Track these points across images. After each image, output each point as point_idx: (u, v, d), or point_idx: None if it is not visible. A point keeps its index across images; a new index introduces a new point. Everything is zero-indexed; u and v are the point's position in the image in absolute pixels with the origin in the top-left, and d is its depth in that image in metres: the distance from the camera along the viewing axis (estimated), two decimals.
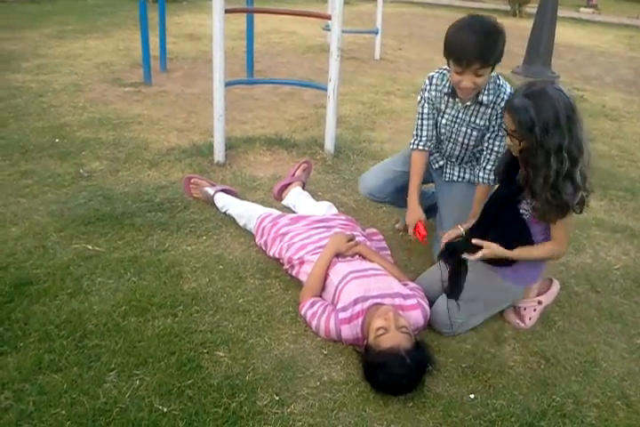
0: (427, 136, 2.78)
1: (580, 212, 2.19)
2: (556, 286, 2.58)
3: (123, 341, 2.19)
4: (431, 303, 2.41)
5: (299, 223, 2.86)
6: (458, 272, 2.36)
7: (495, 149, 2.67)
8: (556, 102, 2.02)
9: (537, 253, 2.30)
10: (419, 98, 2.77)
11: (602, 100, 6.78)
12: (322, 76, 4.79)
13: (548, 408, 2.06)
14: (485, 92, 2.55)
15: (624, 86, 7.73)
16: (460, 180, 2.89)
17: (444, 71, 2.65)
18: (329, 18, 3.92)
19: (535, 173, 2.10)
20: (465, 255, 2.28)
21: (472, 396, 2.08)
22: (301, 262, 2.60)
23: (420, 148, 2.79)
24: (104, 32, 8.49)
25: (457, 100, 2.63)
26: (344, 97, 5.56)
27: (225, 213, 3.20)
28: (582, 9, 17.58)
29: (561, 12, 7.90)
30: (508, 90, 2.58)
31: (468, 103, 2.61)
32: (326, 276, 2.48)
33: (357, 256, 2.60)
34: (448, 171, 2.91)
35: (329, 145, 4.17)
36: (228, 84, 3.83)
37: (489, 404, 2.06)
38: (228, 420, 1.88)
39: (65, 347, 2.14)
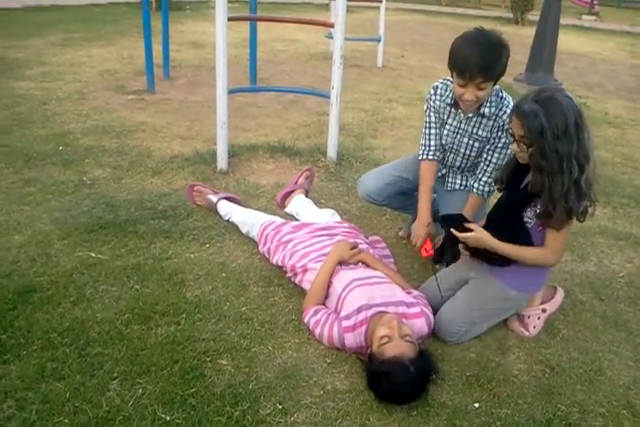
0: (435, 146, 2.79)
1: (583, 220, 2.19)
2: (560, 294, 2.57)
3: (125, 349, 2.18)
4: (435, 311, 2.40)
5: (302, 231, 2.86)
6: (449, 241, 2.35)
7: (494, 160, 2.70)
8: (566, 109, 2.02)
9: (525, 253, 2.28)
10: (425, 107, 2.80)
11: (604, 107, 6.78)
12: (325, 83, 4.81)
13: (553, 418, 2.04)
14: (487, 104, 2.58)
15: (626, 94, 7.74)
16: (461, 188, 2.90)
17: (448, 82, 2.67)
18: (332, 26, 3.93)
19: (552, 179, 2.07)
20: (453, 230, 2.28)
21: (476, 405, 2.07)
22: (304, 270, 2.60)
23: (430, 157, 2.80)
24: (108, 40, 8.54)
25: (459, 111, 2.65)
26: (347, 104, 5.57)
27: (228, 220, 3.20)
28: (584, 16, 17.63)
29: (563, 20, 7.91)
30: (511, 103, 2.60)
31: (470, 115, 2.63)
32: (329, 284, 2.48)
33: (361, 264, 2.60)
34: (450, 180, 2.93)
35: (331, 152, 4.18)
36: (231, 92, 3.84)
37: (493, 413, 2.04)
38: None
39: (68, 355, 2.13)
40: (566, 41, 10.89)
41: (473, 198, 2.77)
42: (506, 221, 2.31)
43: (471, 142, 2.71)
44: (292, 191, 3.47)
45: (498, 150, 2.68)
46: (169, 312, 2.42)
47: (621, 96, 7.56)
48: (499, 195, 2.53)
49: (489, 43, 2.37)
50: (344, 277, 2.46)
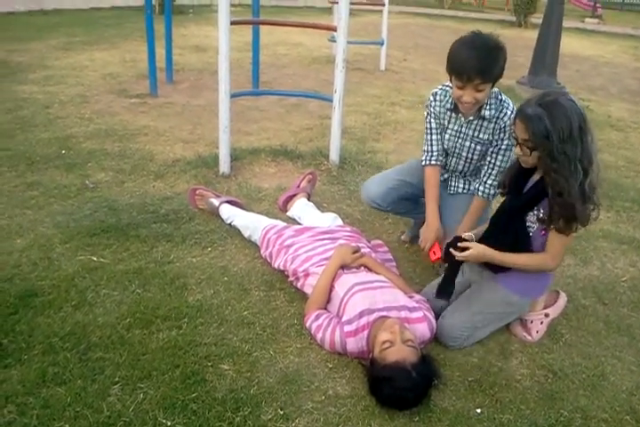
0: (437, 151, 2.80)
1: (586, 224, 2.18)
2: (562, 299, 2.56)
3: (127, 353, 2.18)
4: (437, 316, 2.39)
5: (304, 235, 2.86)
6: (451, 272, 2.35)
7: (497, 163, 2.70)
8: (569, 112, 2.02)
9: (525, 260, 2.28)
10: (425, 113, 2.81)
11: (607, 110, 6.77)
12: (327, 87, 4.81)
13: (555, 423, 2.03)
14: (487, 107, 2.60)
15: (629, 97, 7.73)
16: (464, 191, 2.91)
17: (447, 88, 2.69)
18: (334, 29, 3.93)
19: (567, 182, 2.05)
20: (452, 251, 2.27)
21: (479, 410, 2.06)
22: (306, 275, 2.59)
23: (433, 162, 2.81)
24: (111, 44, 8.56)
25: (460, 115, 2.67)
26: (349, 108, 5.57)
27: (230, 224, 3.20)
28: (587, 19, 17.62)
29: (566, 23, 7.90)
30: (511, 105, 2.63)
31: (471, 118, 2.65)
32: (331, 288, 2.47)
33: (363, 268, 2.59)
34: (453, 184, 2.93)
35: (334, 156, 4.17)
36: (233, 96, 3.84)
37: (495, 418, 2.03)
38: None
39: (69, 360, 2.13)
40: (569, 44, 10.90)
41: (477, 202, 2.77)
42: (509, 226, 2.30)
43: (473, 146, 2.72)
44: (295, 195, 3.47)
45: (501, 153, 2.68)
46: (170, 316, 2.41)
47: (624, 99, 7.55)
48: (501, 199, 2.53)
49: (486, 45, 2.41)
50: (346, 281, 2.46)
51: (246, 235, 3.08)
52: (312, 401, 2.04)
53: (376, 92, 6.74)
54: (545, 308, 2.51)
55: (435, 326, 2.32)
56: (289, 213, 3.40)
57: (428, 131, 2.81)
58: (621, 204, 3.98)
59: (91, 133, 4.60)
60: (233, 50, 3.72)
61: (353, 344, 2.21)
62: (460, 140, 2.74)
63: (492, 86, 2.51)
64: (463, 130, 2.71)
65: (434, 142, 2.80)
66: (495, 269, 2.36)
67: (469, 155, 2.76)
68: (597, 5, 18.98)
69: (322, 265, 2.57)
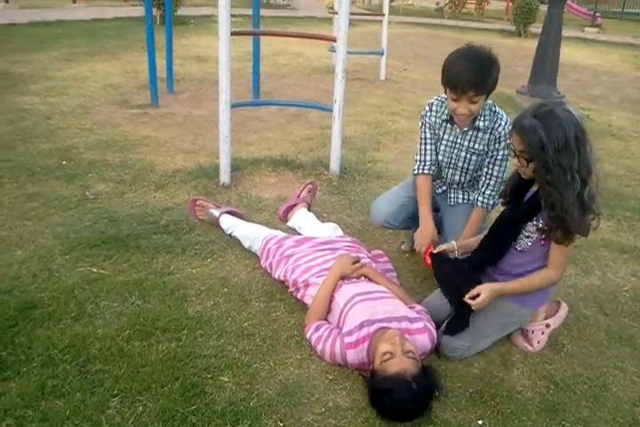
0: (430, 160, 2.84)
1: (587, 234, 2.17)
2: (564, 309, 2.55)
3: (126, 366, 2.17)
4: (438, 326, 2.38)
5: (304, 245, 2.85)
6: (467, 312, 2.33)
7: (495, 174, 2.73)
8: (565, 123, 2.02)
9: (533, 282, 2.28)
10: (420, 123, 2.84)
11: (608, 119, 6.78)
12: (327, 97, 4.83)
13: None
14: (482, 118, 2.64)
15: (630, 106, 7.74)
16: (464, 202, 2.92)
17: (443, 99, 2.73)
18: (334, 40, 3.95)
19: (560, 193, 2.05)
20: (467, 300, 2.26)
21: (480, 422, 2.04)
22: (306, 285, 2.59)
23: (425, 172, 2.85)
24: (112, 54, 8.60)
25: (455, 126, 2.71)
26: (349, 118, 5.58)
27: (230, 234, 3.20)
28: (587, 29, 17.70)
29: (565, 32, 7.93)
30: (505, 116, 2.68)
31: (466, 129, 2.69)
32: (332, 298, 2.46)
33: (363, 278, 2.58)
34: (452, 195, 2.95)
35: (334, 166, 4.18)
36: (233, 107, 3.85)
37: None
38: None
39: (68, 372, 2.12)
40: (569, 53, 10.93)
41: (477, 212, 2.78)
42: (507, 235, 2.31)
43: (468, 156, 2.76)
44: (295, 205, 3.47)
45: (498, 163, 2.72)
46: (170, 328, 2.41)
47: (625, 108, 7.56)
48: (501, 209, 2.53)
49: (479, 58, 2.46)
50: (346, 291, 2.45)
51: (246, 245, 3.08)
52: (312, 413, 2.03)
53: (376, 101, 6.76)
54: (546, 318, 2.50)
55: (435, 337, 2.31)
56: (289, 224, 3.40)
57: (422, 141, 2.84)
58: (622, 213, 3.98)
59: (91, 144, 4.61)
60: (233, 60, 3.74)
61: (353, 356, 2.20)
62: (455, 151, 2.78)
63: (486, 98, 2.56)
64: (458, 141, 2.74)
65: (427, 152, 2.84)
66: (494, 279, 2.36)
67: (465, 165, 2.79)
68: (597, 15, 19.07)
69: (322, 275, 2.56)
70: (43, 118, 5.21)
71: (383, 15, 7.93)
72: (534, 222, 2.23)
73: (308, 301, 2.56)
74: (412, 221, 2.96)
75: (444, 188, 2.96)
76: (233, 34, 3.62)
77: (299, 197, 3.54)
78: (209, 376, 2.16)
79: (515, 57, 10.88)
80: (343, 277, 2.53)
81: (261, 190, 3.92)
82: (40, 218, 3.31)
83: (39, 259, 2.87)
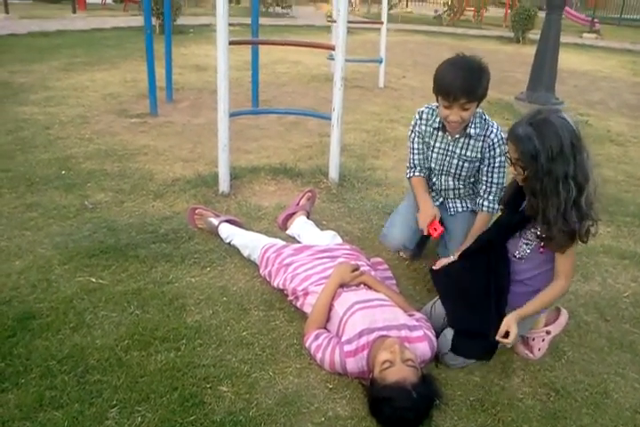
0: (420, 166, 2.93)
1: (586, 241, 2.17)
2: (564, 316, 2.54)
3: (125, 376, 2.16)
4: (437, 334, 2.37)
5: (303, 253, 2.85)
6: (484, 345, 2.32)
7: (495, 181, 2.78)
8: (560, 130, 2.02)
9: (550, 297, 2.26)
10: (409, 133, 2.91)
11: (607, 125, 6.78)
12: (326, 105, 4.83)
13: None
14: (473, 126, 2.71)
15: (628, 111, 7.74)
16: (464, 209, 2.96)
17: (434, 107, 2.79)
18: (333, 48, 3.96)
19: (547, 202, 2.07)
20: (500, 340, 2.22)
21: None
22: (306, 294, 2.58)
23: (417, 174, 2.94)
24: (111, 64, 8.63)
25: (446, 133, 2.77)
26: (348, 125, 5.59)
27: (229, 243, 3.19)
28: (585, 35, 17.74)
29: (564, 38, 7.94)
30: (495, 124, 2.76)
31: (457, 136, 2.74)
32: (331, 306, 2.45)
33: (363, 286, 2.58)
34: (451, 205, 2.98)
35: (333, 174, 4.18)
36: (232, 115, 3.86)
37: None
38: None
39: (66, 383, 2.11)
40: (567, 59, 10.95)
41: (482, 216, 2.83)
42: (504, 242, 2.32)
43: (461, 163, 2.81)
44: (294, 213, 3.47)
45: (496, 170, 2.77)
46: (169, 338, 2.40)
47: (623, 114, 7.57)
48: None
49: (470, 66, 2.53)
50: (346, 299, 2.44)
51: (245, 254, 3.08)
52: (312, 423, 2.02)
53: (375, 109, 6.77)
54: (546, 325, 2.49)
55: (435, 345, 2.30)
56: (288, 232, 3.40)
57: (412, 151, 2.92)
58: (622, 218, 3.97)
59: (90, 154, 4.61)
60: (232, 69, 3.75)
61: (353, 364, 2.19)
62: (447, 158, 2.83)
63: (477, 105, 2.61)
64: (450, 148, 2.80)
65: (417, 162, 2.93)
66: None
67: (458, 171, 2.84)
68: (595, 20, 19.12)
69: (321, 284, 2.56)
70: (42, 128, 5.22)
71: (382, 23, 7.95)
72: (532, 230, 2.23)
73: (307, 309, 2.55)
74: (424, 241, 3.02)
75: (441, 200, 2.99)
76: (231, 43, 3.63)
77: (298, 205, 3.54)
78: (208, 386, 2.15)
79: (513, 63, 10.92)
80: (342, 286, 2.53)
81: (260, 199, 3.92)
82: (39, 228, 3.31)
83: (38, 269, 2.87)
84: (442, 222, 2.86)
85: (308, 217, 3.47)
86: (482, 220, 2.81)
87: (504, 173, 2.75)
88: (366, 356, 2.18)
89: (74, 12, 15.72)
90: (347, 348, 2.21)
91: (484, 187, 2.81)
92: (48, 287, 2.72)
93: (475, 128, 2.72)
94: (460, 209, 2.96)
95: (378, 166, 4.73)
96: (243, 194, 3.97)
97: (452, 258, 2.56)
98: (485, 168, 2.77)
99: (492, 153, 2.73)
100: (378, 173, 4.55)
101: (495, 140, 2.72)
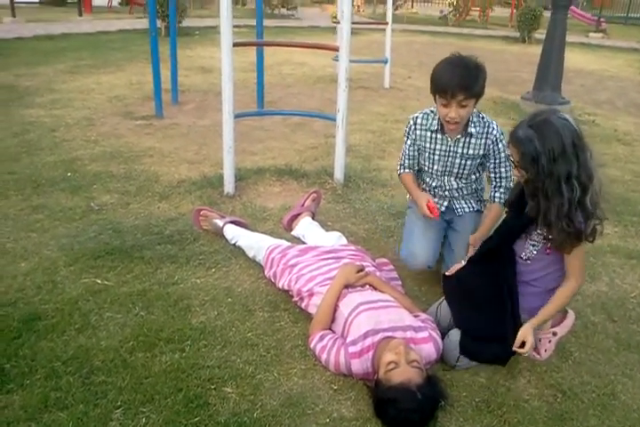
0: (410, 165, 2.97)
1: (593, 240, 2.15)
2: (571, 317, 2.51)
3: (129, 377, 2.16)
4: (443, 335, 2.36)
5: (308, 254, 2.84)
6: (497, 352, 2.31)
7: (504, 175, 2.81)
8: (561, 130, 2.01)
9: (563, 299, 2.25)
10: (405, 139, 2.92)
11: (614, 124, 6.74)
12: (332, 106, 4.83)
13: None
14: (472, 125, 2.73)
15: (635, 110, 7.70)
16: (471, 210, 2.98)
17: (428, 111, 2.83)
18: (337, 49, 3.95)
19: (548, 203, 2.07)
20: (517, 350, 2.21)
21: None
22: (311, 294, 2.57)
23: (407, 171, 2.98)
24: (117, 66, 8.66)
25: (446, 135, 2.77)
26: (353, 126, 5.59)
27: (234, 244, 3.19)
28: (591, 34, 17.68)
29: (570, 38, 7.91)
30: (493, 121, 2.78)
31: (459, 136, 2.75)
32: (336, 307, 2.45)
33: (368, 287, 2.57)
34: (457, 206, 2.98)
35: (338, 174, 4.18)
36: (237, 117, 3.86)
37: None
38: None
39: (71, 384, 2.12)
40: (573, 59, 10.92)
41: (495, 207, 2.81)
42: (512, 244, 2.31)
43: (463, 162, 2.82)
44: (299, 214, 3.47)
45: (502, 164, 2.80)
46: (174, 339, 2.40)
47: (630, 113, 7.53)
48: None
49: (466, 65, 2.56)
50: (351, 300, 2.43)
51: (250, 255, 3.07)
52: (317, 424, 2.01)
53: (380, 109, 6.77)
54: (553, 326, 2.46)
55: (441, 346, 2.29)
56: (293, 233, 3.39)
57: (406, 155, 2.94)
58: (629, 218, 3.94)
59: (96, 156, 4.63)
60: (238, 70, 3.76)
61: (358, 365, 2.18)
62: (450, 159, 2.83)
63: (475, 103, 2.62)
64: (451, 149, 2.80)
65: (407, 164, 2.97)
66: None
67: (460, 170, 2.85)
68: (601, 20, 19.03)
69: (326, 285, 2.55)
70: (48, 131, 5.24)
71: (386, 24, 7.95)
72: (539, 231, 2.21)
73: (312, 310, 2.54)
74: (442, 250, 2.98)
75: (446, 203, 2.96)
76: (235, 45, 3.63)
77: (303, 206, 3.53)
78: (212, 387, 2.14)
79: (519, 63, 10.89)
80: (347, 286, 2.52)
81: (266, 200, 3.92)
82: (45, 230, 3.32)
83: (43, 270, 2.88)
84: (449, 223, 2.90)
85: (313, 218, 3.46)
86: (495, 210, 2.81)
87: (510, 166, 2.74)
88: (371, 357, 2.17)
89: (80, 15, 15.81)
90: (352, 349, 2.20)
91: (494, 182, 2.84)
92: (53, 289, 2.72)
93: (475, 127, 2.74)
94: (467, 209, 2.96)
95: (383, 167, 4.72)
96: (248, 195, 3.97)
97: (462, 263, 2.55)
98: (492, 165, 2.80)
99: (495, 149, 2.76)
100: (383, 174, 4.54)
101: (497, 135, 2.75)
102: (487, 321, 2.33)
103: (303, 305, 2.62)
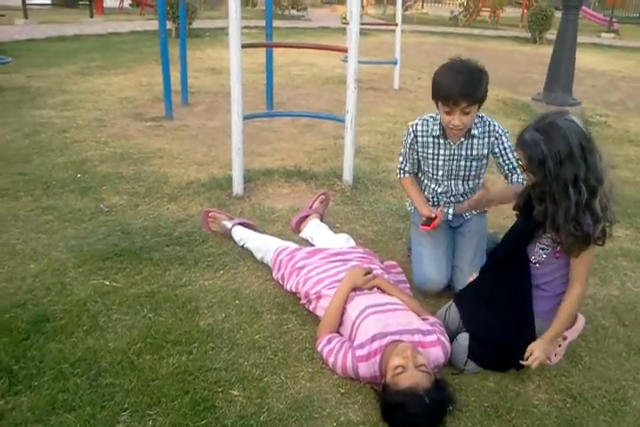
0: (411, 169, 2.96)
1: (603, 244, 2.13)
2: (581, 321, 2.49)
3: (137, 379, 2.16)
4: (451, 338, 2.34)
5: (315, 257, 2.83)
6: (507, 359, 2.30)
7: (513, 160, 2.78)
8: (568, 133, 1.99)
9: (573, 306, 2.22)
10: (408, 145, 2.88)
11: (625, 125, 6.68)
12: (341, 107, 4.82)
13: None
14: (474, 126, 2.70)
15: None
16: (477, 212, 2.95)
17: (428, 117, 2.79)
18: (345, 51, 3.95)
19: (555, 207, 2.05)
20: (523, 363, 2.20)
21: None
22: (318, 297, 2.57)
23: (407, 175, 2.97)
24: (127, 68, 8.69)
25: (449, 140, 2.75)
26: (363, 127, 5.57)
27: (242, 246, 3.19)
28: (603, 34, 17.57)
29: (581, 38, 7.85)
30: (494, 120, 2.77)
31: (462, 139, 2.73)
32: (344, 310, 2.43)
33: (376, 289, 2.56)
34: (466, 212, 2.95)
35: (347, 176, 4.17)
36: (246, 118, 3.86)
37: None
38: None
39: (79, 386, 2.12)
40: (585, 59, 10.84)
41: (514, 186, 2.77)
42: (517, 248, 2.29)
43: (469, 163, 2.81)
44: (307, 216, 3.46)
45: (511, 155, 2.77)
46: (181, 341, 2.40)
47: None
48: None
49: (468, 70, 2.51)
50: (358, 303, 2.42)
51: (258, 257, 3.07)
52: None
53: (390, 111, 6.75)
54: None
55: (449, 350, 2.27)
56: (301, 235, 3.39)
57: (406, 160, 2.92)
58: None
59: (106, 157, 4.64)
60: (247, 71, 3.76)
61: (365, 369, 2.17)
62: (455, 162, 2.81)
63: (478, 109, 2.58)
64: (456, 152, 2.78)
65: (406, 169, 2.96)
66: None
67: (467, 172, 2.84)
68: (613, 20, 18.90)
69: (334, 287, 2.54)
70: (59, 132, 5.27)
71: (396, 25, 7.93)
72: (548, 235, 2.19)
73: (319, 313, 2.53)
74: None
75: (451, 210, 2.93)
76: (244, 46, 3.63)
77: (311, 207, 3.53)
78: (219, 390, 2.14)
79: (530, 64, 10.83)
80: (355, 289, 2.51)
81: (274, 201, 3.92)
82: (54, 231, 3.33)
83: (52, 272, 2.88)
84: (456, 228, 2.93)
85: (321, 220, 3.46)
86: (515, 187, 2.74)
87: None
88: (379, 361, 2.15)
89: (91, 16, 15.89)
90: (359, 352, 2.19)
91: (507, 172, 2.82)
92: (62, 290, 2.73)
93: (477, 128, 2.72)
94: (474, 211, 2.94)
95: (392, 169, 4.68)
96: (256, 197, 3.97)
97: (474, 276, 2.54)
98: (501, 159, 2.79)
99: (501, 144, 2.76)
100: (392, 176, 4.51)
101: (500, 131, 2.75)
102: (498, 324, 2.31)
103: (311, 308, 2.61)
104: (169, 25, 9.43)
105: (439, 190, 2.92)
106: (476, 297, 2.44)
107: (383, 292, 2.55)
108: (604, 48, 14.89)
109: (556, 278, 2.29)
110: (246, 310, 2.65)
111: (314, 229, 3.34)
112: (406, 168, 2.96)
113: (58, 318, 2.51)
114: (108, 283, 2.81)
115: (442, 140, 2.77)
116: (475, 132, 2.72)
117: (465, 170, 2.82)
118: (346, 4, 11.69)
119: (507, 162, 2.81)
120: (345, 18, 9.71)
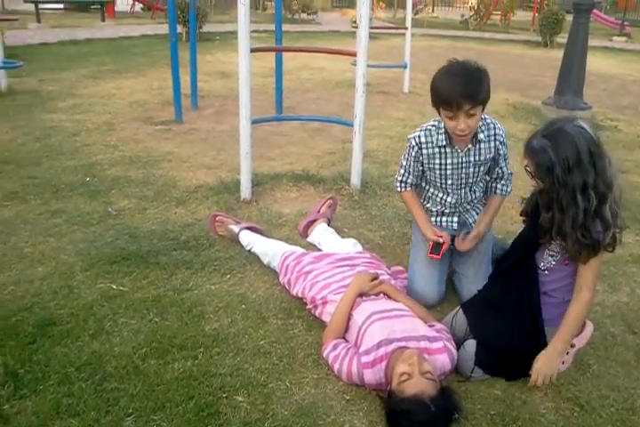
0: (411, 181, 2.88)
1: (612, 250, 2.11)
2: (589, 328, 2.47)
3: (142, 384, 2.16)
4: (458, 346, 2.32)
5: (322, 261, 2.83)
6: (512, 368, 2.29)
7: (504, 168, 2.80)
8: (576, 139, 1.98)
9: (579, 313, 2.20)
10: (406, 155, 2.82)
11: (637, 130, 6.62)
12: (350, 111, 4.81)
13: None
14: (479, 130, 2.63)
15: None
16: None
17: (429, 127, 2.71)
18: (354, 55, 3.94)
19: (562, 215, 2.03)
20: (529, 385, 2.20)
21: None
22: (324, 302, 2.56)
23: (409, 188, 2.90)
24: (138, 71, 8.73)
25: (456, 148, 2.67)
26: (372, 131, 5.56)
27: (249, 250, 3.19)
28: (615, 38, 17.46)
29: (593, 42, 7.82)
30: (496, 122, 2.72)
31: (469, 146, 2.66)
32: (350, 316, 2.42)
33: (382, 295, 2.54)
34: (470, 220, 2.92)
35: (355, 180, 4.16)
36: (255, 122, 3.86)
37: None
38: None
39: (84, 390, 2.12)
40: (596, 63, 10.78)
41: (495, 199, 2.84)
42: (525, 255, 2.28)
43: (477, 169, 2.75)
44: (315, 220, 3.45)
45: (502, 159, 2.76)
46: (187, 346, 2.39)
47: None
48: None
49: (467, 70, 2.43)
50: (364, 309, 2.41)
51: (265, 261, 3.07)
52: None
53: (399, 115, 6.73)
54: None
55: (455, 357, 2.26)
56: (309, 239, 3.38)
57: (408, 172, 2.84)
58: None
59: (115, 161, 4.66)
60: (257, 75, 3.77)
61: (370, 376, 2.15)
62: (463, 170, 2.74)
63: (482, 110, 2.50)
64: (464, 160, 2.71)
65: (409, 182, 2.88)
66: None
67: (475, 179, 2.79)
68: (625, 23, 18.78)
69: (340, 293, 2.53)
70: (69, 135, 5.29)
71: (406, 28, 7.91)
72: (557, 242, 2.17)
73: (325, 318, 2.52)
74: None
75: (456, 219, 2.90)
76: (253, 50, 3.64)
77: (319, 212, 3.52)
78: (224, 396, 2.13)
79: (541, 68, 10.77)
80: (361, 295, 2.49)
81: (282, 206, 3.91)
82: (62, 234, 3.34)
83: (60, 275, 2.89)
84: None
85: (328, 224, 3.45)
86: (494, 203, 2.81)
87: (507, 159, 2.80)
88: (384, 367, 2.14)
89: (103, 20, 15.96)
90: (364, 359, 2.18)
91: (495, 175, 2.81)
92: (69, 294, 2.74)
93: (482, 132, 2.65)
94: (477, 217, 2.91)
95: None
96: (264, 201, 3.97)
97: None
98: (500, 158, 2.76)
99: (501, 150, 2.72)
100: None
101: (502, 134, 2.71)
102: (505, 331, 2.29)
103: (317, 313, 2.60)
104: (179, 29, 9.47)
105: (449, 200, 2.84)
106: (484, 304, 2.43)
107: (390, 298, 2.53)
108: (616, 52, 14.79)
109: (564, 285, 2.28)
110: (252, 315, 2.65)
111: (321, 234, 3.33)
112: (408, 180, 2.87)
113: (64, 321, 2.52)
114: (114, 287, 2.82)
115: (448, 150, 2.68)
116: (481, 136, 2.65)
117: (473, 176, 2.76)
118: (356, 8, 11.70)
119: (497, 170, 2.78)
120: (355, 21, 9.70)
